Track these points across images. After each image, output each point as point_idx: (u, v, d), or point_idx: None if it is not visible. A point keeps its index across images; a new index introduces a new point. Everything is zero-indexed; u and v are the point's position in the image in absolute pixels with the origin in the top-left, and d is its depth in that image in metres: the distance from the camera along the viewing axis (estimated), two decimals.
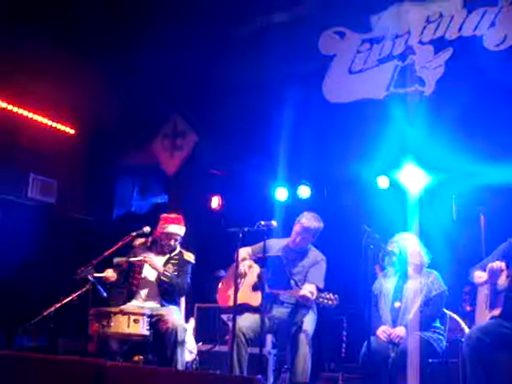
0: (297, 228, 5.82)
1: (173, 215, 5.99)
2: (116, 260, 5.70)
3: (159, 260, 5.85)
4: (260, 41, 7.51)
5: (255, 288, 5.69)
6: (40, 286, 7.81)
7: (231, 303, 5.43)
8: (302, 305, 5.60)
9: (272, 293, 5.54)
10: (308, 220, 5.80)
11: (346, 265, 5.95)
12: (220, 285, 6.06)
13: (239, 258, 5.50)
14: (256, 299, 5.54)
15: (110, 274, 5.66)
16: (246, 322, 5.52)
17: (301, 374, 5.38)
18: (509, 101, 6.46)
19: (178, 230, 5.91)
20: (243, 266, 5.71)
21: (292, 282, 5.67)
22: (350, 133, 7.57)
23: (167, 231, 5.86)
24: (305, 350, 5.39)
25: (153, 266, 5.72)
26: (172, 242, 5.89)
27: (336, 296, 5.32)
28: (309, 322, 5.55)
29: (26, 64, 7.44)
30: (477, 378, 4.74)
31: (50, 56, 7.41)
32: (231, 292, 5.49)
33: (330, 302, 5.29)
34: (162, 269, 5.72)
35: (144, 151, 8.78)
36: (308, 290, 5.41)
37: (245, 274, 5.73)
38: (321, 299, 5.32)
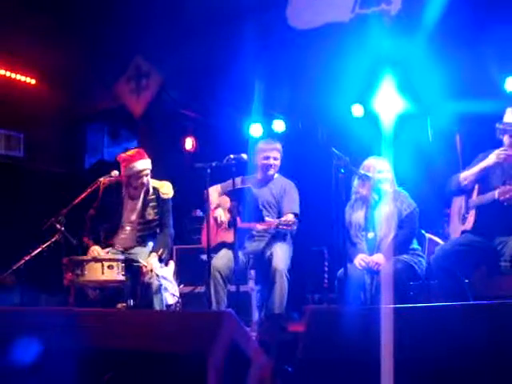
0: (272, 154, 5.75)
1: (131, 152, 5.67)
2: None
3: (135, 206, 5.61)
4: None
5: (230, 225, 5.59)
6: (13, 241, 7.65)
7: (212, 243, 5.35)
8: (273, 237, 5.52)
9: (243, 227, 5.43)
10: (272, 141, 5.90)
11: (323, 197, 5.82)
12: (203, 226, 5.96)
13: (210, 201, 5.40)
14: (230, 236, 5.43)
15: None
16: (222, 260, 5.47)
17: (278, 306, 5.27)
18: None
19: (146, 164, 5.54)
20: (219, 217, 5.65)
21: (265, 213, 5.55)
22: (320, 62, 7.34)
23: (135, 170, 5.48)
24: (280, 281, 5.28)
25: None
26: (144, 180, 5.52)
27: (295, 220, 5.32)
28: (281, 252, 5.44)
29: None
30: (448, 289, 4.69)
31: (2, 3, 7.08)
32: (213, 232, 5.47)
33: (288, 228, 5.27)
34: (160, 252, 5.45)
35: (111, 95, 8.52)
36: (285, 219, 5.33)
37: (221, 223, 5.65)
38: (280, 226, 5.27)
